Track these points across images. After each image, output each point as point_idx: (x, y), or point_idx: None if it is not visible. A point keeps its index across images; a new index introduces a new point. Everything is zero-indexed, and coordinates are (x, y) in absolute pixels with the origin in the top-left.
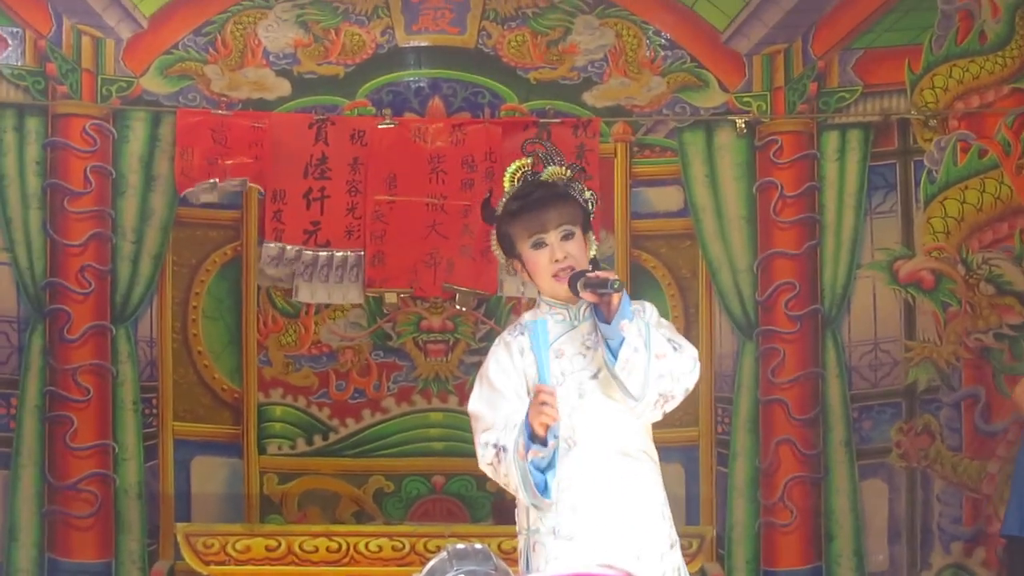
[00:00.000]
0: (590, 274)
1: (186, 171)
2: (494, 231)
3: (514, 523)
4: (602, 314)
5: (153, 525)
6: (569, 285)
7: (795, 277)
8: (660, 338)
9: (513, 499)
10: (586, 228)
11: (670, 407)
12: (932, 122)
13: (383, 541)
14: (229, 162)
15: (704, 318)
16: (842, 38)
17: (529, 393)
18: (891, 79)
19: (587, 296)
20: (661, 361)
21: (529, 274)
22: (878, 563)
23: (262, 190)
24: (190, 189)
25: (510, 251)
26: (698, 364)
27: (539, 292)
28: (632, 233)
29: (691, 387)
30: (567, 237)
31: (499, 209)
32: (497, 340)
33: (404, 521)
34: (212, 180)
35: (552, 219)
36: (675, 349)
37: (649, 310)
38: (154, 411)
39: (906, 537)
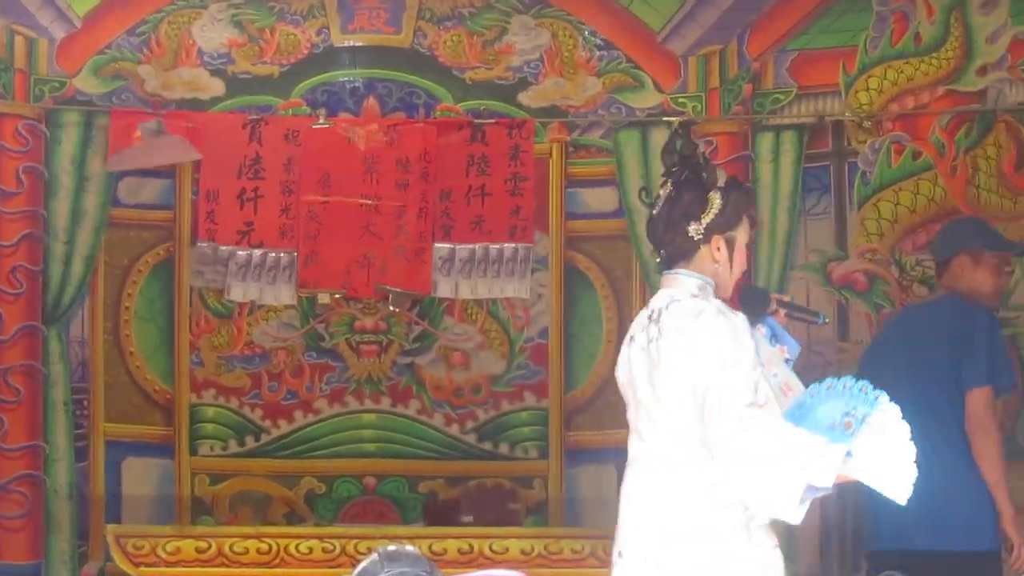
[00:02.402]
0: (793, 302)
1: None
2: (721, 199)
3: (447, 524)
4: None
5: (83, 526)
6: (751, 297)
7: None
8: None
9: (442, 501)
10: None
11: None
12: (866, 124)
13: (314, 543)
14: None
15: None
16: (777, 39)
17: None
18: (826, 81)
19: (779, 317)
20: None
21: (728, 258)
22: None
23: (199, 154)
24: (126, 177)
25: (724, 227)
26: None
27: (709, 282)
28: (567, 234)
29: None
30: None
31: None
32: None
33: (335, 523)
34: (156, 120)
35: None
36: None
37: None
38: (85, 412)
39: (837, 542)
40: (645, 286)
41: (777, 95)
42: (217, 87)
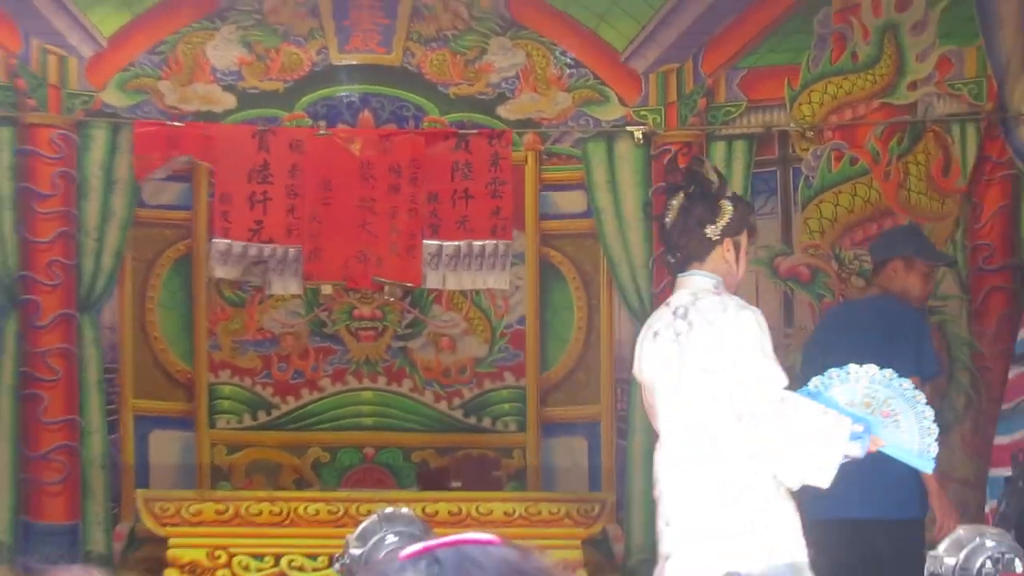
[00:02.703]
0: None
1: (143, 164)
2: (732, 206)
3: (437, 488)
4: None
5: (115, 491)
6: None
7: None
8: None
9: (433, 468)
10: None
11: None
12: (809, 133)
13: (320, 506)
14: (183, 158)
15: (605, 308)
16: (728, 58)
17: None
18: (772, 95)
19: None
20: None
21: (735, 260)
22: None
23: (211, 167)
24: (148, 174)
25: (734, 231)
26: None
27: (720, 280)
28: (541, 232)
29: None
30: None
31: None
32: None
33: (339, 488)
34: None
35: None
36: None
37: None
38: (116, 390)
39: None
40: (611, 278)
41: (729, 108)
42: (229, 101)
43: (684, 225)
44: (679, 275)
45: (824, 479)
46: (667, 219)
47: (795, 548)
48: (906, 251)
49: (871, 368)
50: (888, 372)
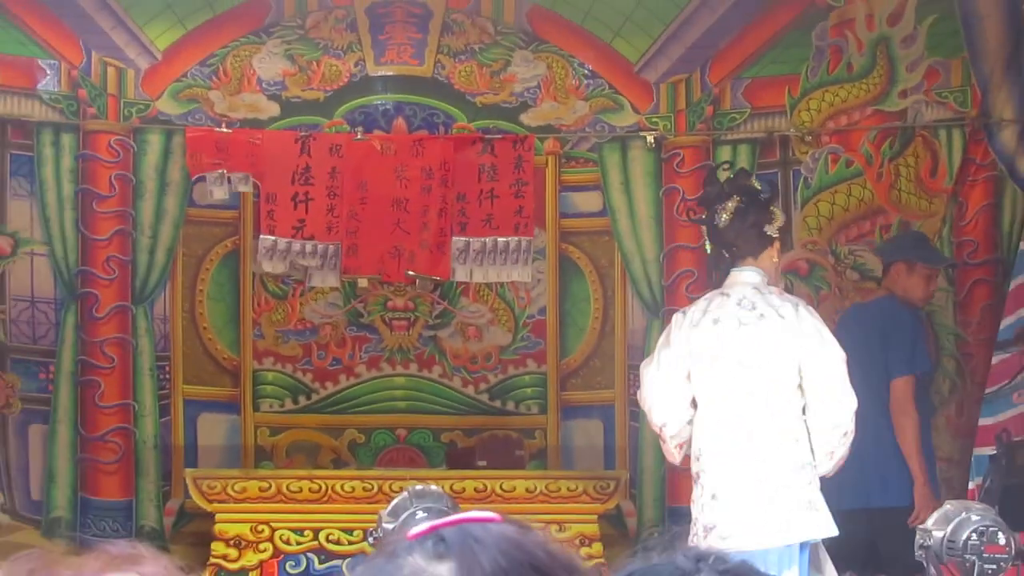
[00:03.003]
0: None
1: (196, 149)
2: (781, 212)
3: (465, 467)
4: None
5: (166, 470)
6: None
7: (694, 266)
8: None
9: (461, 448)
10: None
11: (664, 437)
12: (808, 138)
13: (356, 483)
14: (234, 174)
15: (619, 299)
16: (733, 69)
17: None
18: (774, 103)
19: None
20: None
21: (778, 259)
22: None
23: (259, 184)
24: (202, 181)
25: (780, 235)
26: None
27: (767, 275)
28: (560, 230)
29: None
30: None
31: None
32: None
33: (373, 467)
34: (220, 171)
35: None
36: None
37: None
38: (167, 376)
39: None
40: (625, 272)
41: (733, 115)
42: (273, 109)
43: (740, 226)
44: (733, 270)
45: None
46: (720, 221)
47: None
48: (908, 256)
49: None
50: None
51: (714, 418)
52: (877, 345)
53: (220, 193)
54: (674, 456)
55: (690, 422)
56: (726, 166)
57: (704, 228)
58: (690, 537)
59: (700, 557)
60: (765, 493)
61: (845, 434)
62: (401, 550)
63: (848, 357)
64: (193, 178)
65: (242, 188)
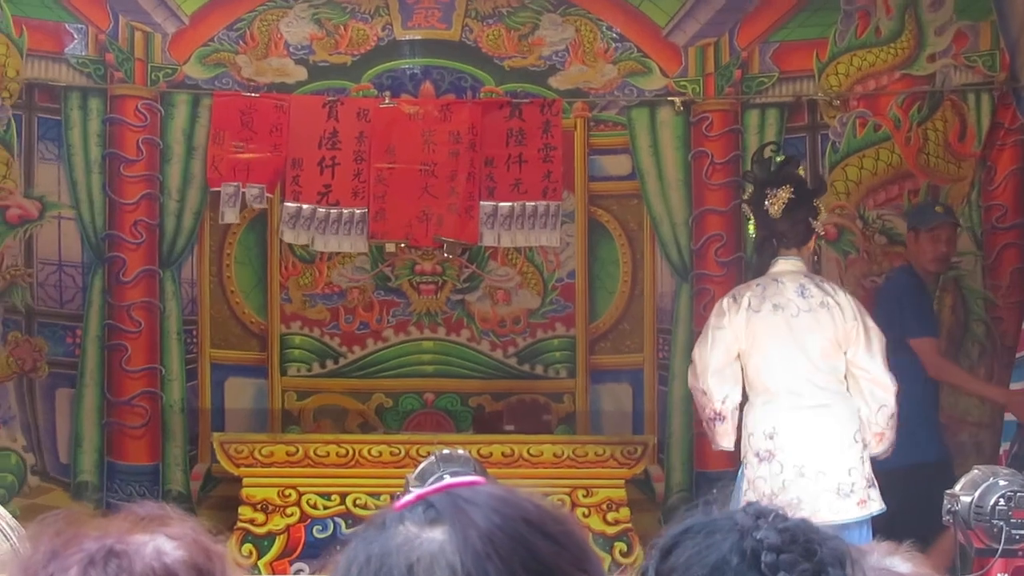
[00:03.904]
0: None
1: (216, 162)
2: (823, 206)
3: (492, 432)
4: None
5: (193, 434)
6: None
7: (723, 230)
8: None
9: (488, 413)
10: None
11: (706, 416)
12: (836, 102)
13: (383, 448)
14: (253, 155)
15: (648, 263)
16: (762, 33)
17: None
18: (802, 67)
19: None
20: None
21: (813, 248)
22: None
23: (270, 195)
24: (217, 188)
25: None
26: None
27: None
28: (590, 193)
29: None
30: None
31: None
32: None
33: (400, 431)
34: (235, 186)
35: None
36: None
37: None
38: (194, 340)
39: None
40: (654, 236)
41: (762, 79)
42: (301, 73)
43: (792, 218)
44: (780, 258)
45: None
46: (773, 210)
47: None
48: (911, 225)
49: None
50: None
51: (787, 400)
52: (889, 312)
53: (231, 216)
54: (729, 438)
55: (741, 405)
56: (773, 147)
57: (749, 209)
58: (758, 495)
59: (760, 514)
60: (842, 469)
61: (891, 416)
62: (391, 521)
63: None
64: (212, 187)
65: (257, 206)
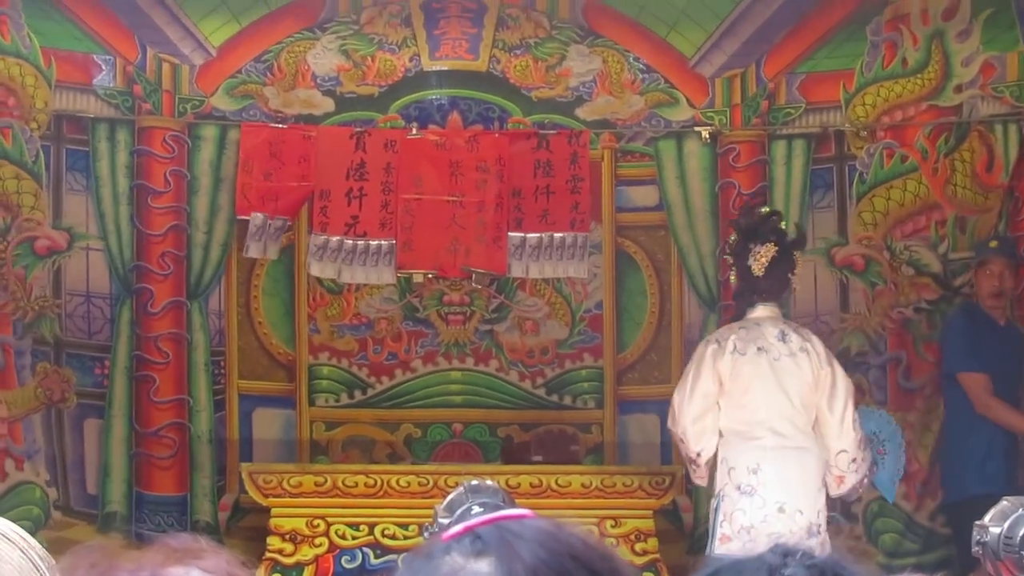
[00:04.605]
0: None
1: (245, 190)
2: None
3: (520, 462)
4: None
5: (221, 465)
6: None
7: None
8: None
9: (517, 443)
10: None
11: (691, 454)
12: (863, 133)
13: (411, 478)
14: (275, 221)
15: (675, 294)
16: (788, 64)
17: None
18: (829, 97)
19: None
20: None
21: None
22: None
23: (291, 222)
24: (245, 217)
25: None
26: (669, 419)
27: None
28: (617, 224)
29: (673, 429)
30: None
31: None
32: None
33: (429, 461)
34: (262, 217)
35: None
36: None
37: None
38: (222, 371)
39: None
40: (681, 267)
41: (789, 110)
42: (328, 104)
43: (774, 275)
44: (760, 304)
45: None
46: (756, 267)
47: None
48: (973, 261)
49: (881, 410)
50: (888, 415)
51: (772, 439)
52: (949, 348)
53: (256, 250)
54: (703, 480)
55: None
56: (761, 200)
57: (732, 261)
58: (742, 544)
59: (787, 552)
60: (815, 510)
61: (853, 460)
62: (438, 551)
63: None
64: (240, 215)
65: (280, 240)
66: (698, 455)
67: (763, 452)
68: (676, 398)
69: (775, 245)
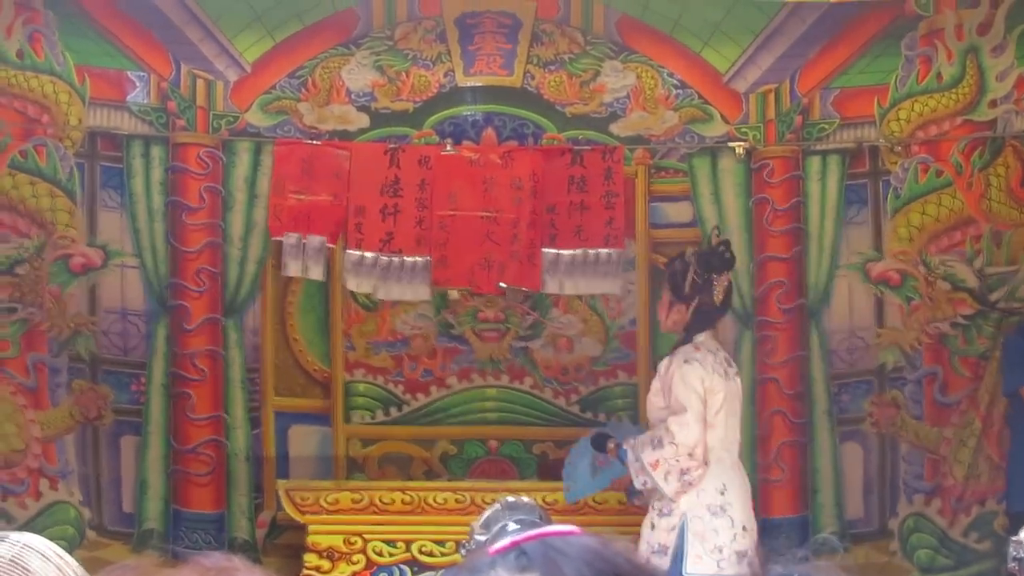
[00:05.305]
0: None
1: (278, 211)
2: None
3: (556, 479)
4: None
5: (258, 482)
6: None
7: (785, 276)
8: (647, 450)
9: (552, 460)
10: (676, 298)
11: (696, 474)
12: (897, 148)
13: (448, 495)
14: (314, 202)
15: None
16: (823, 79)
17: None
18: (863, 113)
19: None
20: (657, 469)
21: None
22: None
23: (332, 246)
24: (279, 238)
25: None
26: (680, 433)
27: None
28: (651, 240)
29: (690, 447)
30: (659, 298)
31: None
32: None
33: (465, 478)
34: (296, 237)
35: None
36: (656, 446)
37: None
38: (258, 388)
39: (877, 490)
40: None
41: (823, 125)
42: (363, 120)
43: (726, 302)
44: (708, 331)
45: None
46: (716, 297)
47: None
48: None
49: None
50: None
51: (730, 460)
52: (1009, 363)
53: (295, 269)
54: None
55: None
56: (717, 231)
57: (694, 295)
58: (716, 564)
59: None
60: (752, 525)
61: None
62: (483, 565)
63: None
64: (273, 236)
65: (323, 260)
66: (699, 468)
67: (726, 472)
68: (691, 433)
69: (728, 272)
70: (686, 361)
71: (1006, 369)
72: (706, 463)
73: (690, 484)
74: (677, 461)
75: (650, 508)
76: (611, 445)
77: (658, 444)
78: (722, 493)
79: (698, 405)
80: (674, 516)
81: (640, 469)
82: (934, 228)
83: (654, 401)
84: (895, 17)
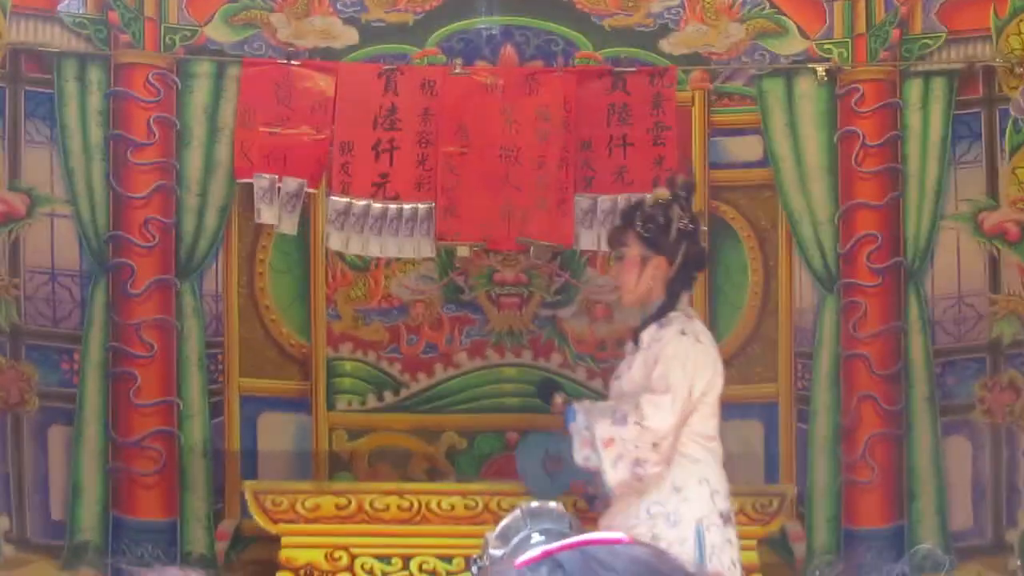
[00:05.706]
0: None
1: (245, 147)
2: None
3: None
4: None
5: (219, 483)
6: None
7: (877, 229)
8: (603, 423)
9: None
10: (654, 251)
11: (652, 471)
12: (1018, 69)
13: (456, 499)
14: (291, 137)
15: (784, 271)
16: None
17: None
18: (976, 25)
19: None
20: (609, 448)
21: None
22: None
23: (312, 190)
24: (247, 180)
25: None
26: (652, 416)
27: None
28: (710, 183)
29: (658, 436)
30: (619, 258)
31: None
32: None
33: (477, 479)
34: (271, 178)
35: (614, 241)
36: (617, 422)
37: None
38: (220, 367)
39: (991, 494)
40: (791, 237)
41: (926, 40)
42: (350, 36)
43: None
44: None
45: None
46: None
47: None
48: None
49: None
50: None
51: (716, 443)
52: None
53: (270, 215)
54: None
55: None
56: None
57: (677, 231)
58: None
59: None
60: None
61: None
62: None
63: None
64: (239, 179)
65: (297, 210)
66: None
67: (723, 471)
68: (667, 419)
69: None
70: (683, 332)
71: None
72: (667, 462)
73: (640, 480)
74: (636, 447)
75: (644, 512)
76: (558, 399)
77: (620, 420)
78: (726, 498)
79: (684, 392)
80: (683, 526)
81: (587, 441)
82: None
83: (634, 377)
84: None
